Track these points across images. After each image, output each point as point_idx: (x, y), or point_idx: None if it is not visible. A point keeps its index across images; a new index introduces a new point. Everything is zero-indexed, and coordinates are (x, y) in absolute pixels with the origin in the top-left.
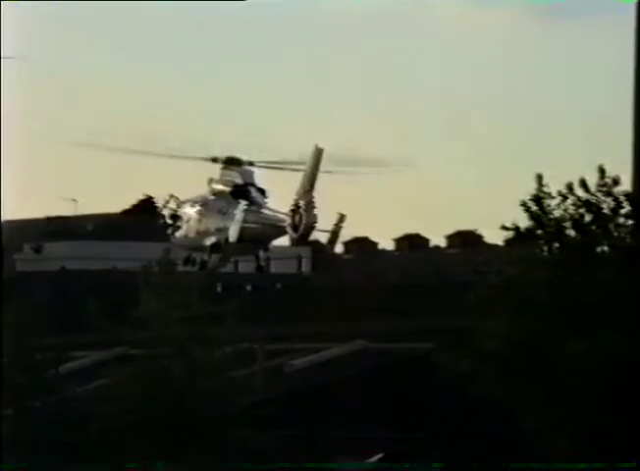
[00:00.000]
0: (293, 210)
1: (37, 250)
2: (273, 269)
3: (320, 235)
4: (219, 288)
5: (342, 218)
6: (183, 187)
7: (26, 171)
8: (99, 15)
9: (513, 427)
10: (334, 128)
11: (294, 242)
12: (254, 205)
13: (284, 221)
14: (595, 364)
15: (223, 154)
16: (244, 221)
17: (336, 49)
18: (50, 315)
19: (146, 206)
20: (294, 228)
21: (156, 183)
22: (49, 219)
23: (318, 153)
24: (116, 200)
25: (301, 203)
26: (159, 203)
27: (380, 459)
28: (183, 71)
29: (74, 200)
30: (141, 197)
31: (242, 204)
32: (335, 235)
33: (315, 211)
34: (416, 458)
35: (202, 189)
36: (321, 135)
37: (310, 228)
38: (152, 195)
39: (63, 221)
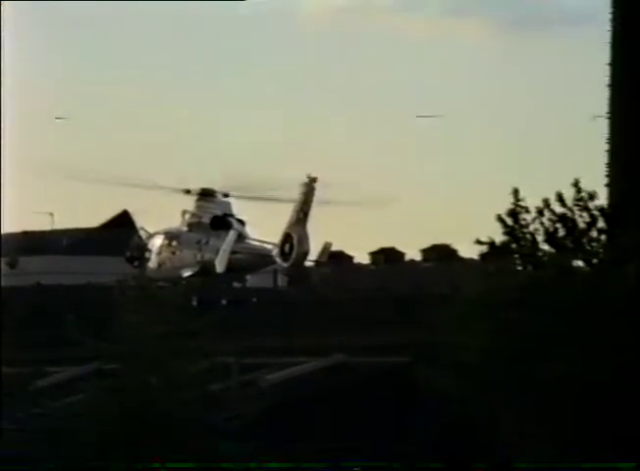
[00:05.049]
0: (283, 240)
1: (12, 265)
2: (249, 283)
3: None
4: (194, 302)
5: (327, 246)
6: (153, 218)
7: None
8: (97, 16)
9: (493, 442)
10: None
11: (285, 272)
12: (240, 235)
13: (271, 251)
14: (569, 382)
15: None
16: (232, 251)
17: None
18: (25, 330)
19: (122, 221)
20: (284, 257)
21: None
22: (25, 233)
23: (311, 183)
24: (92, 215)
25: (293, 233)
26: (135, 218)
27: None
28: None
29: (50, 214)
30: (117, 212)
31: (232, 234)
32: (321, 265)
33: (309, 241)
34: None
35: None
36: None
37: (303, 257)
38: (128, 209)
39: (38, 235)
